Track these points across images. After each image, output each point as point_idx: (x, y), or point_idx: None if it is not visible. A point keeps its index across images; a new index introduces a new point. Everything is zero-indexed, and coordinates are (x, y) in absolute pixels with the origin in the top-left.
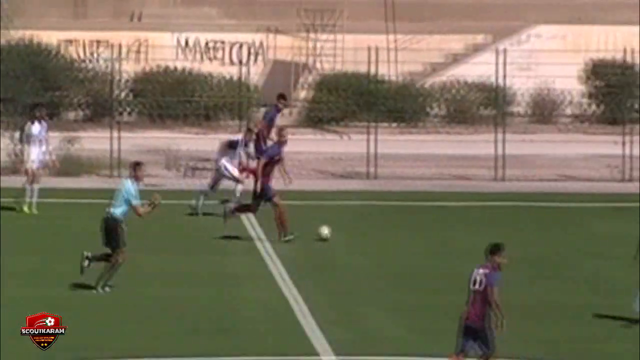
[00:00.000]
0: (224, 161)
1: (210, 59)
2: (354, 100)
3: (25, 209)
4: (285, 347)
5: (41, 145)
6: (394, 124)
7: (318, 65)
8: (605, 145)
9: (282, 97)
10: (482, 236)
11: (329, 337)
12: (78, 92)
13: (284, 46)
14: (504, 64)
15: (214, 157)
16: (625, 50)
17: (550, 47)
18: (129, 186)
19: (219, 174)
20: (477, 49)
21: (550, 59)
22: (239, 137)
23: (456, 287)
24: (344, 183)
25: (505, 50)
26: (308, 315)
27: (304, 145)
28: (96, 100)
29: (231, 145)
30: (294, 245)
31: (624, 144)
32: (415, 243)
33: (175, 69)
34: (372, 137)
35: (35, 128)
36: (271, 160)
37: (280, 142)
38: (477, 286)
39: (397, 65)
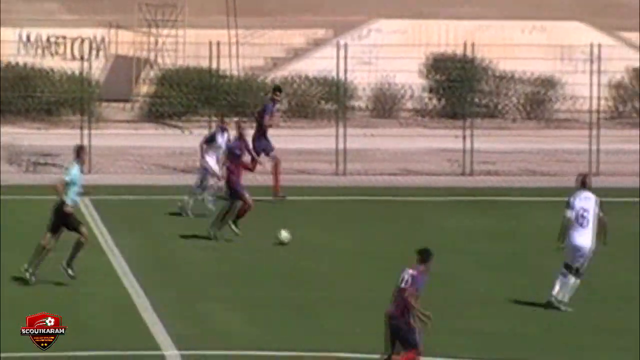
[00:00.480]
0: (208, 158)
1: (52, 54)
2: (195, 95)
3: None
4: (128, 342)
5: None
6: (236, 119)
7: (160, 60)
8: (445, 139)
9: (277, 89)
10: (325, 230)
11: (171, 331)
12: None
13: (125, 41)
14: (345, 58)
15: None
16: (465, 45)
17: (391, 41)
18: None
19: (204, 171)
20: (318, 43)
21: (391, 54)
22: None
23: (299, 281)
24: (186, 178)
25: (346, 45)
26: (150, 310)
27: (146, 140)
28: None
29: (209, 141)
30: (137, 241)
31: (464, 138)
32: (260, 238)
33: (17, 64)
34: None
35: None
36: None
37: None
38: (403, 284)
39: (238, 60)
